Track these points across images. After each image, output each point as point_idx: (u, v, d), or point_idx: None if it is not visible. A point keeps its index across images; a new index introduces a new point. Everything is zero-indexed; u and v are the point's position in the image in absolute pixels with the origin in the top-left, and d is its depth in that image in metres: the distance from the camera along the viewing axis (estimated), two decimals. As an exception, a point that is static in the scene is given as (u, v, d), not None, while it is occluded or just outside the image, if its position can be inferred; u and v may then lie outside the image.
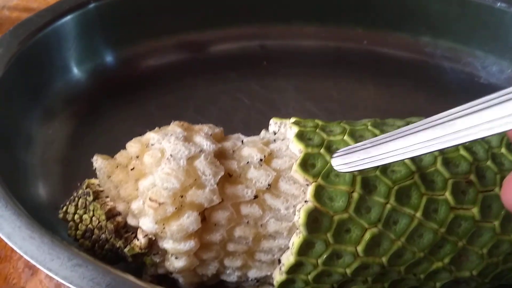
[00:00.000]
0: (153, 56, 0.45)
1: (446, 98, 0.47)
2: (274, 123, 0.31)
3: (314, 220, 0.25)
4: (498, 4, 0.46)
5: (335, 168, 0.26)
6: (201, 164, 0.26)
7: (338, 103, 0.45)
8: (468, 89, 0.48)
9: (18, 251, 0.26)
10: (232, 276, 0.28)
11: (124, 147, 0.29)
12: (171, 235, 0.25)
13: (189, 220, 0.25)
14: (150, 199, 0.25)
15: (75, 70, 0.42)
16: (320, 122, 0.29)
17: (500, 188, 0.27)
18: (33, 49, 0.38)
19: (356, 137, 0.28)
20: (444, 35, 0.49)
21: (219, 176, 0.26)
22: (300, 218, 0.25)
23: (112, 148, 0.30)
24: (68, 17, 0.40)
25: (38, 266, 0.25)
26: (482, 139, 0.22)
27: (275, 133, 0.30)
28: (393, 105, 0.46)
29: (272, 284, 0.29)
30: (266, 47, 0.49)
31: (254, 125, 0.34)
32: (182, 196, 0.25)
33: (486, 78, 0.49)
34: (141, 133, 0.29)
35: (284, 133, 0.30)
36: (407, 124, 0.29)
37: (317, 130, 0.28)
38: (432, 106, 0.46)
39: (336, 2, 0.49)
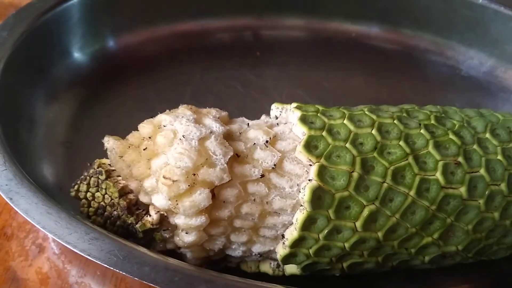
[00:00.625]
0: (152, 43, 0.47)
1: (429, 88, 0.50)
2: (275, 108, 0.32)
3: (317, 197, 0.27)
4: (480, 0, 0.48)
5: None
6: (211, 144, 0.28)
7: (328, 91, 0.47)
8: (449, 81, 0.51)
9: (36, 225, 0.27)
10: (237, 251, 0.30)
11: (123, 129, 0.31)
12: (184, 211, 0.27)
13: (201, 196, 0.27)
14: (164, 176, 0.27)
15: (78, 54, 0.43)
16: (320, 107, 0.31)
17: (485, 169, 0.29)
18: (37, 33, 0.38)
19: (355, 121, 0.30)
20: (428, 29, 0.52)
21: (229, 156, 0.28)
22: (305, 195, 0.27)
23: (111, 130, 0.31)
24: (72, 2, 0.40)
25: (57, 239, 0.27)
26: None
27: (276, 118, 0.32)
28: (380, 94, 0.48)
29: (273, 259, 0.31)
30: (260, 37, 0.51)
31: (249, 112, 0.36)
32: (194, 174, 0.27)
33: (466, 71, 0.51)
34: (139, 116, 0.30)
35: (286, 117, 0.31)
36: (400, 110, 0.32)
37: (319, 114, 0.30)
38: (416, 95, 0.48)
39: (327, -4, 0.51)
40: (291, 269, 0.31)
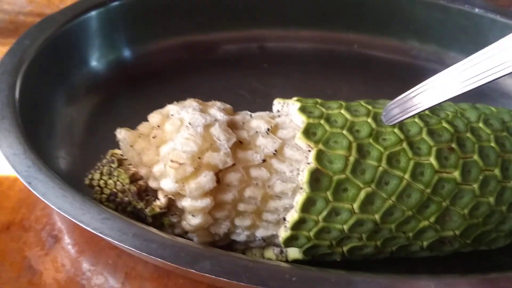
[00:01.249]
0: (164, 54, 0.50)
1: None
2: (277, 103, 0.34)
3: (316, 180, 0.29)
4: (476, 10, 0.50)
5: (386, 123, 0.30)
6: (216, 131, 0.29)
7: (331, 99, 0.49)
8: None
9: (53, 207, 0.29)
10: (241, 236, 0.31)
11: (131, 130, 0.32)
12: (190, 193, 0.29)
13: (206, 179, 0.28)
14: (171, 160, 0.29)
15: (95, 63, 0.46)
16: (319, 100, 0.33)
17: (478, 155, 0.31)
18: (57, 42, 0.42)
19: (352, 111, 0.31)
20: (428, 40, 0.54)
21: (232, 142, 0.29)
22: (304, 177, 0.29)
23: None
24: (90, 15, 0.44)
25: (71, 219, 0.28)
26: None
27: (278, 111, 0.34)
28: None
29: (276, 245, 0.33)
30: (265, 49, 0.54)
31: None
32: (199, 158, 0.29)
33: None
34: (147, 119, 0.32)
35: (287, 110, 0.33)
36: None
37: (317, 105, 0.32)
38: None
39: (330, 8, 0.53)
40: (294, 254, 0.32)
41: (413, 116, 0.28)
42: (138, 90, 0.45)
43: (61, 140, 0.40)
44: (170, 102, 0.32)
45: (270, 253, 0.33)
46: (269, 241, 0.32)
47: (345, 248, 0.31)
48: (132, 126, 0.33)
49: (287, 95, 0.49)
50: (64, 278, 0.34)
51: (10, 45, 0.40)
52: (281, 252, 0.32)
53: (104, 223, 0.28)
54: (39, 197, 0.29)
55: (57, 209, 0.29)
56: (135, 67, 0.48)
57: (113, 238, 0.28)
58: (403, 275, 0.30)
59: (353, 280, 0.28)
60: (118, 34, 0.47)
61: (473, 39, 0.52)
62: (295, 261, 0.32)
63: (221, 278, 0.27)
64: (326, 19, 0.54)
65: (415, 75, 0.53)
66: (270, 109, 0.35)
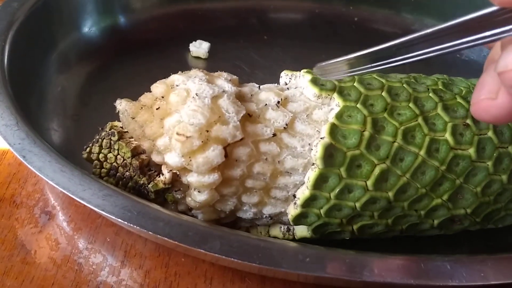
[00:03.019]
0: (160, 22, 0.48)
1: (432, 71, 0.50)
2: (285, 75, 0.33)
3: (329, 155, 0.28)
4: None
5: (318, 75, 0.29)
6: (224, 102, 0.28)
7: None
8: (451, 64, 0.51)
9: (50, 182, 0.27)
10: (248, 213, 0.30)
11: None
12: (197, 168, 0.27)
13: (214, 153, 0.27)
14: (177, 133, 0.27)
15: (88, 29, 0.44)
16: None
17: (493, 131, 0.30)
18: (48, 5, 0.39)
19: (365, 84, 0.30)
20: (429, 14, 0.53)
21: (241, 115, 0.28)
22: (317, 152, 0.27)
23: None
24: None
25: (71, 195, 0.27)
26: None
27: (286, 84, 0.32)
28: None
29: (283, 223, 0.32)
30: (264, 20, 0.52)
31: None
32: (207, 131, 0.27)
33: (467, 55, 0.52)
34: (146, 92, 0.31)
35: (295, 83, 0.32)
36: (408, 77, 0.32)
37: None
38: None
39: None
40: (302, 232, 0.31)
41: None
42: (133, 59, 0.43)
43: (52, 111, 0.37)
44: (166, 72, 0.31)
45: (277, 231, 0.32)
46: (276, 219, 0.31)
47: (355, 227, 0.30)
48: (127, 96, 0.31)
49: (286, 67, 0.48)
50: (60, 256, 0.32)
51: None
52: (288, 230, 0.31)
53: (107, 199, 0.27)
54: (35, 172, 0.28)
55: (55, 185, 0.27)
56: (130, 35, 0.46)
57: (116, 216, 0.26)
58: (417, 255, 0.29)
59: (368, 260, 0.27)
60: (112, -1, 0.45)
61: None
62: (302, 240, 0.31)
63: (231, 259, 0.26)
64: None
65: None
66: (270, 81, 0.33)
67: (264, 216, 0.30)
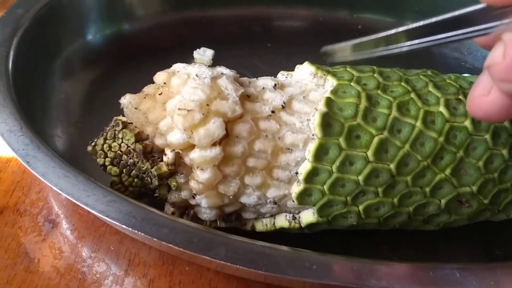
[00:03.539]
0: (163, 29, 0.48)
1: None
2: (281, 75, 0.34)
3: (327, 124, 0.28)
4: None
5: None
6: (223, 82, 0.29)
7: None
8: (455, 72, 0.51)
9: (54, 188, 0.27)
10: (252, 196, 0.30)
11: None
12: (199, 141, 0.28)
13: (215, 125, 0.28)
14: (179, 108, 0.28)
15: (92, 36, 0.44)
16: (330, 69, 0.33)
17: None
18: (52, 12, 0.40)
19: (357, 69, 0.32)
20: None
21: (240, 92, 0.29)
22: (315, 120, 0.28)
23: (122, 112, 0.32)
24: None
25: (75, 201, 0.26)
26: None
27: (283, 81, 0.34)
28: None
29: (288, 211, 0.31)
30: (268, 28, 0.52)
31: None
32: (208, 105, 0.28)
33: (471, 63, 0.52)
34: None
35: (292, 80, 0.33)
36: (399, 69, 0.33)
37: (323, 66, 0.32)
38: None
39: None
40: (307, 218, 0.30)
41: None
42: (136, 67, 0.43)
43: (56, 118, 0.38)
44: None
45: (282, 220, 0.31)
46: (280, 205, 0.31)
47: (361, 207, 0.30)
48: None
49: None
50: (63, 265, 0.32)
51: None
52: (294, 218, 0.31)
53: (111, 205, 0.26)
54: (39, 177, 0.27)
55: (59, 191, 0.27)
56: (134, 43, 0.46)
57: (121, 222, 0.26)
58: (426, 263, 0.28)
59: (375, 267, 0.26)
60: (116, 6, 0.46)
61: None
62: (310, 227, 0.31)
63: (237, 266, 0.25)
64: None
65: (420, 58, 0.53)
66: None
67: (268, 200, 0.30)
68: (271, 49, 0.50)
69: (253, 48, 0.49)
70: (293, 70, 0.34)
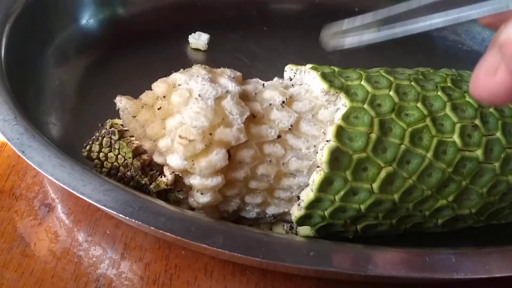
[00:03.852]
0: (159, 13, 0.47)
1: (434, 62, 0.50)
2: (289, 70, 0.32)
3: (335, 158, 0.27)
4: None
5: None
6: (228, 104, 0.27)
7: (333, 64, 0.48)
8: (453, 55, 0.51)
9: (50, 177, 0.27)
10: (251, 213, 0.30)
11: (126, 95, 0.30)
12: (200, 171, 0.27)
13: (217, 156, 0.26)
14: (180, 136, 0.26)
15: (86, 21, 0.43)
16: (336, 68, 0.31)
17: (501, 132, 0.29)
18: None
19: (372, 82, 0.29)
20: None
21: (245, 116, 0.27)
22: (323, 156, 0.27)
23: (115, 95, 0.30)
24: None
25: (71, 191, 0.26)
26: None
27: (291, 79, 0.32)
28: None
29: (286, 221, 0.31)
30: (263, 11, 0.51)
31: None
32: (211, 134, 0.26)
33: (469, 45, 0.52)
34: (146, 85, 0.30)
35: (300, 78, 0.31)
36: (416, 73, 0.31)
37: (336, 75, 0.30)
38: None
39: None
40: (305, 231, 0.31)
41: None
42: (131, 52, 0.42)
43: (50, 105, 0.37)
44: (166, 65, 0.30)
45: (280, 229, 0.31)
46: (279, 218, 0.31)
47: (359, 227, 0.30)
48: (127, 90, 0.31)
49: (286, 59, 0.47)
50: (59, 249, 0.32)
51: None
52: (291, 228, 0.31)
53: (107, 195, 0.26)
54: (35, 167, 0.27)
55: (55, 180, 0.27)
56: (128, 27, 0.45)
57: (118, 211, 0.26)
58: (422, 249, 0.29)
59: (372, 254, 0.27)
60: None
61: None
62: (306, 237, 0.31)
63: (235, 254, 0.26)
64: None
65: (419, 40, 0.53)
66: (271, 74, 0.33)
67: (268, 215, 0.30)
68: (267, 32, 0.48)
69: (249, 32, 0.47)
70: (290, 53, 0.33)
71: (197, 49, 0.46)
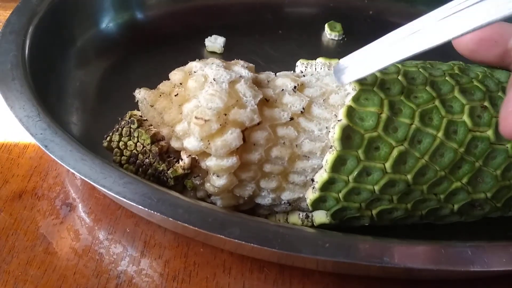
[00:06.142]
0: (177, 17, 0.48)
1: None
2: (301, 64, 0.33)
3: (347, 137, 0.28)
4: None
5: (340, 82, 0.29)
6: (242, 87, 0.28)
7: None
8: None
9: (72, 170, 0.28)
10: (266, 199, 0.30)
11: None
12: (216, 151, 0.27)
13: (232, 136, 0.27)
14: (196, 117, 0.27)
15: (106, 24, 0.45)
16: None
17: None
18: (67, 1, 0.40)
19: (381, 69, 0.29)
20: (439, 5, 0.53)
21: (258, 99, 0.28)
22: (335, 133, 0.28)
23: (133, 97, 0.32)
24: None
25: (92, 183, 0.27)
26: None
27: (302, 72, 0.33)
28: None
29: (302, 210, 0.31)
30: (278, 15, 0.52)
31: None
32: (225, 115, 0.27)
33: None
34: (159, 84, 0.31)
35: (311, 71, 0.32)
36: (424, 62, 0.32)
37: None
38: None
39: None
40: (320, 218, 0.31)
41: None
42: (149, 54, 0.44)
43: (71, 105, 0.38)
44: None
45: (295, 218, 0.32)
46: (294, 205, 0.31)
47: (374, 211, 0.30)
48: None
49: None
50: (81, 247, 0.32)
51: (12, 9, 0.38)
52: (307, 216, 0.31)
53: (127, 187, 0.27)
54: (57, 160, 0.28)
55: (76, 173, 0.27)
56: (146, 31, 0.46)
57: (137, 203, 0.26)
58: (438, 242, 0.28)
59: (388, 246, 0.27)
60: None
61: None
62: (321, 226, 0.31)
63: (251, 244, 0.26)
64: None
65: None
66: None
67: (283, 202, 0.30)
68: (282, 36, 0.49)
69: (264, 35, 0.49)
70: (304, 57, 0.34)
71: (213, 52, 0.47)
